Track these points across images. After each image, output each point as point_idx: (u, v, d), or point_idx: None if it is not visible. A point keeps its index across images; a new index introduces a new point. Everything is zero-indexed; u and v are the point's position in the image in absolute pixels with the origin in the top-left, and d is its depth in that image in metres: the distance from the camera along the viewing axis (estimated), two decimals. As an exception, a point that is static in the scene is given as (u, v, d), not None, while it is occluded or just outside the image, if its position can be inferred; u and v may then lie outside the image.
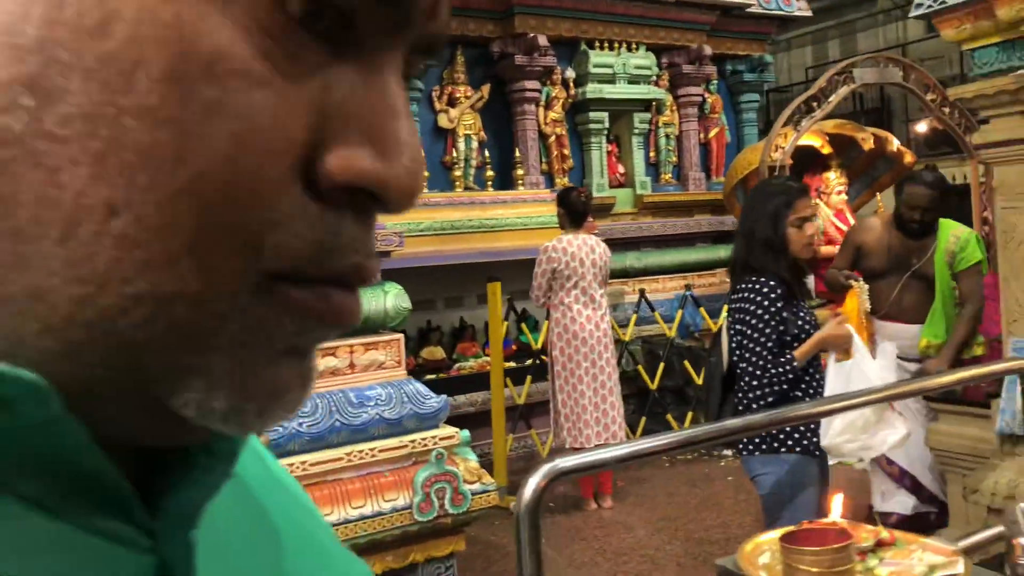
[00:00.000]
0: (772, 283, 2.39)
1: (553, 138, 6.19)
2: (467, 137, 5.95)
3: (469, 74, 6.04)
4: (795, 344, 2.37)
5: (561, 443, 4.35)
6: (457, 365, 5.31)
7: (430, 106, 5.94)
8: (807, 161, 5.67)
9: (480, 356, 5.34)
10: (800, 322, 2.40)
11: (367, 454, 3.24)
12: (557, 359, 4.33)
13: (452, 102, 5.97)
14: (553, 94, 6.19)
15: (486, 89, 6.03)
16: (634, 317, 5.45)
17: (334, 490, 3.15)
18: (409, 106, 0.28)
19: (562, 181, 6.11)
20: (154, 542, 0.27)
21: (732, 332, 2.47)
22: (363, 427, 3.27)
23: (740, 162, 6.24)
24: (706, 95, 6.94)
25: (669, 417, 5.18)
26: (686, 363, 5.27)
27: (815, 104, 5.40)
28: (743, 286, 2.44)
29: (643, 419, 5.17)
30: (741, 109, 7.28)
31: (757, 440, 2.40)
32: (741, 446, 2.54)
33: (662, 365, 5.23)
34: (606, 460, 1.98)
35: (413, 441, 3.34)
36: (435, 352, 5.26)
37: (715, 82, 6.98)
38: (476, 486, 3.40)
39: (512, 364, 5.18)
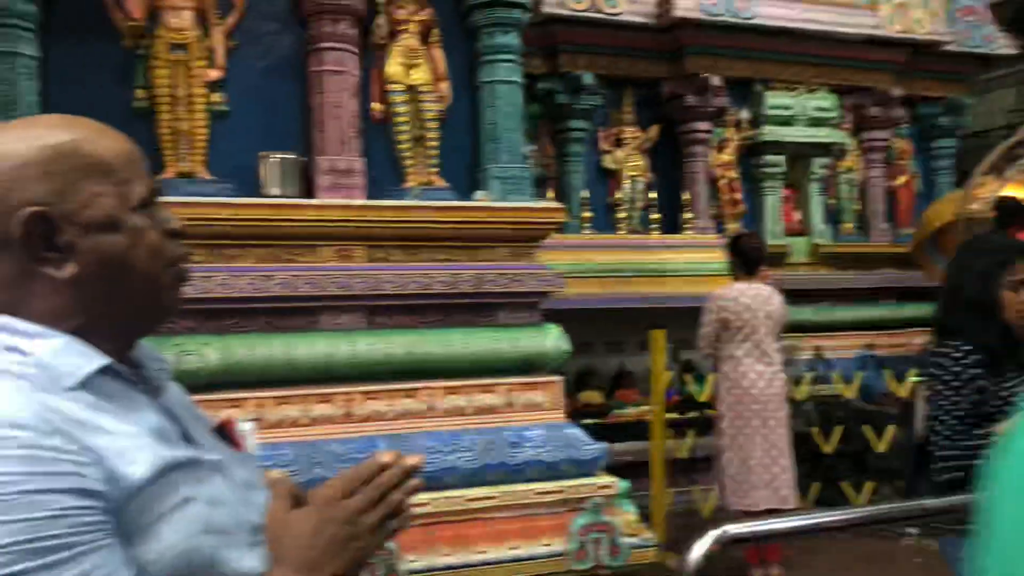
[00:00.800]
0: (968, 348, 2.13)
1: (724, 181, 5.97)
2: (633, 179, 5.85)
3: (637, 115, 5.96)
4: (997, 418, 2.09)
5: (726, 503, 4.08)
6: (615, 412, 5.15)
7: (595, 147, 5.90)
8: (1014, 215, 5.14)
9: (639, 404, 5.15)
10: (1005, 394, 2.12)
11: (522, 495, 3.15)
12: (724, 415, 4.08)
13: (619, 143, 5.90)
14: (726, 136, 5.99)
15: (655, 130, 5.92)
16: (808, 375, 5.09)
17: (489, 528, 3.08)
18: None
19: (733, 227, 5.86)
20: None
21: (927, 400, 2.23)
22: (519, 468, 3.20)
23: (932, 213, 5.76)
24: (894, 140, 6.49)
25: (845, 486, 4.76)
26: (865, 428, 4.84)
27: (1022, 151, 4.90)
28: (938, 350, 2.21)
29: (816, 485, 4.77)
30: (934, 156, 6.74)
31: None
32: (937, 526, 2.26)
33: (839, 428, 4.83)
34: (781, 530, 1.81)
35: (570, 487, 3.22)
36: (593, 397, 5.13)
37: (904, 126, 6.52)
38: (635, 540, 3.23)
39: (674, 415, 4.96)
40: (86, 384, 0.86)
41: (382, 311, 3.21)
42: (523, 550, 3.08)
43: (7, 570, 0.71)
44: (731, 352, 4.11)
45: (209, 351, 2.90)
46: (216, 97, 3.12)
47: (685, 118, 5.85)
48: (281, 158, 3.14)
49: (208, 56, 3.10)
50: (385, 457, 0.94)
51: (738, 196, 6.01)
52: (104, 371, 0.89)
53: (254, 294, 2.98)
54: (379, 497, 0.92)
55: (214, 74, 3.10)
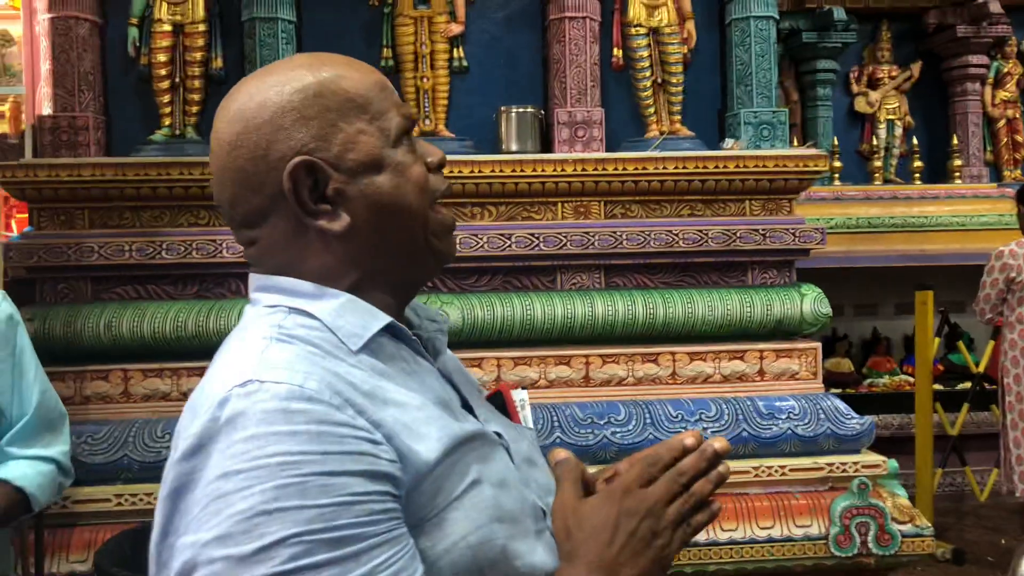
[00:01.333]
0: None
1: (1003, 123, 5.19)
2: (890, 123, 5.24)
3: (895, 51, 5.31)
4: None
5: (1011, 488, 3.56)
6: (868, 381, 4.68)
7: (846, 89, 5.34)
8: None
9: (897, 373, 4.65)
10: None
11: (776, 471, 2.90)
12: (1011, 388, 3.55)
13: (873, 83, 5.30)
14: (1005, 70, 5.19)
15: (917, 67, 5.25)
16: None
17: (740, 504, 2.86)
18: None
19: (1013, 174, 5.10)
20: None
21: None
22: (772, 441, 2.94)
23: None
24: None
25: None
26: None
27: None
28: None
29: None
30: None
31: None
32: None
33: None
34: None
35: (830, 464, 2.92)
36: (842, 364, 4.70)
37: None
38: (907, 527, 2.87)
39: (938, 387, 4.42)
40: (369, 346, 0.77)
41: (621, 270, 3.06)
42: (776, 531, 2.84)
43: (303, 561, 0.62)
44: (1020, 317, 3.56)
45: (451, 309, 2.89)
46: (457, 52, 3.08)
47: (955, 52, 5.13)
48: (518, 112, 3.05)
49: (449, 11, 3.05)
50: (688, 439, 0.78)
51: (1020, 138, 5.21)
52: (386, 331, 0.79)
53: (493, 252, 2.94)
54: (683, 486, 0.76)
55: (455, 29, 3.05)
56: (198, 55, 2.88)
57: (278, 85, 0.80)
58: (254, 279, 0.84)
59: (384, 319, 0.79)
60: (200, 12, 2.87)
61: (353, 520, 0.65)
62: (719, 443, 0.79)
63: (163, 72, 2.85)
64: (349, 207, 0.79)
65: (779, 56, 5.12)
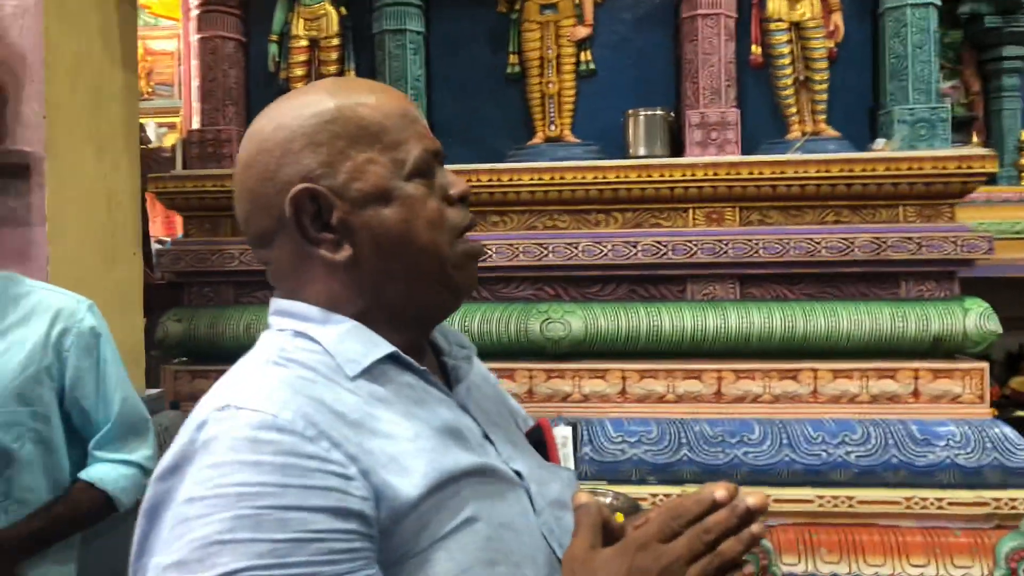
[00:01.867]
0: None
1: None
2: (1091, 115, 4.63)
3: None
4: None
5: None
6: (1059, 406, 4.16)
7: (1037, 77, 4.77)
8: None
9: (1094, 398, 4.10)
10: None
11: (932, 504, 2.62)
12: None
13: (1071, 72, 4.70)
14: None
15: None
16: None
17: (888, 538, 2.61)
18: None
19: None
20: None
21: None
22: (928, 470, 2.66)
23: None
24: None
25: None
26: None
27: None
28: None
29: None
30: None
31: None
32: None
33: None
34: None
35: (997, 500, 2.60)
36: (1027, 385, 4.20)
37: None
38: (1089, 579, 2.50)
39: None
40: (371, 374, 0.75)
41: (756, 280, 2.87)
42: (931, 570, 2.56)
43: None
44: None
45: (573, 319, 2.82)
46: (585, 56, 3.01)
47: None
48: (647, 114, 2.93)
49: (577, 14, 2.99)
50: (719, 492, 0.68)
51: None
52: (392, 361, 0.77)
53: (617, 261, 2.84)
54: (708, 544, 0.68)
55: (581, 32, 2.98)
56: (332, 68, 2.99)
57: (296, 108, 0.79)
58: (272, 303, 0.85)
59: (386, 348, 0.77)
60: (334, 27, 2.97)
61: (308, 558, 0.62)
62: (753, 499, 0.69)
63: (300, 85, 2.98)
64: (353, 238, 0.78)
65: (959, 43, 4.67)
